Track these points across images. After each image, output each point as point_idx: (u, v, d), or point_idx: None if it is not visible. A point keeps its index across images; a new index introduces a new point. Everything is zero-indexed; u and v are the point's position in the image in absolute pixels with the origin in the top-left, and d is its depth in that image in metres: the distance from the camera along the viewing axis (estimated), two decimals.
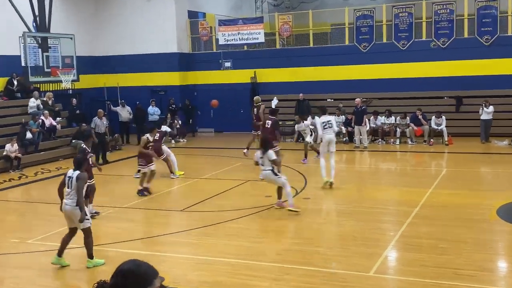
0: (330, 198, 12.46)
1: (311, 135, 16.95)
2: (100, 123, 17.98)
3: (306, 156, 16.75)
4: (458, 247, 8.31)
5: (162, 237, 9.66)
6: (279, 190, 10.87)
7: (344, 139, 20.27)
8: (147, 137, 13.16)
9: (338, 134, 20.21)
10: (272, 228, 9.93)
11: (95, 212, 10.81)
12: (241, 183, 13.81)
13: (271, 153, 10.54)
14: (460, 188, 12.52)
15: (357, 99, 19.54)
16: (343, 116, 20.57)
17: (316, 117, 13.74)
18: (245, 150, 16.31)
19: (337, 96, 22.24)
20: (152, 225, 10.72)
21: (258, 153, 10.67)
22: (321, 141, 13.27)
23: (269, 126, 14.52)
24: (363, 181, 14.45)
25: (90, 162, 10.66)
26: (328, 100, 22.55)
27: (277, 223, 10.17)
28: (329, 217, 10.86)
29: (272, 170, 10.58)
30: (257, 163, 10.84)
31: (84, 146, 10.82)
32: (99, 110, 18.62)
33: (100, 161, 17.31)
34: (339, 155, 18.53)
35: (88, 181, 9.98)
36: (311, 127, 16.92)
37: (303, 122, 17.55)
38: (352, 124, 19.67)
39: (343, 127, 20.17)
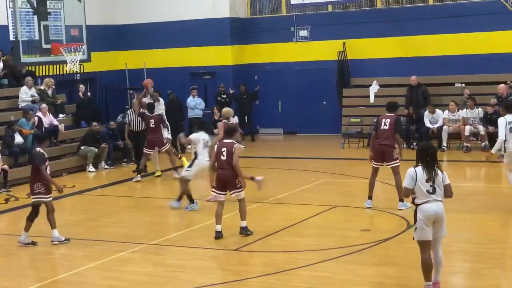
0: (462, 233, 12.09)
1: None
2: (136, 118, 18.32)
3: None
4: None
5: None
6: None
7: (483, 144, 19.75)
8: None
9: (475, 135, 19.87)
10: (370, 278, 9.70)
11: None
12: (325, 209, 13.64)
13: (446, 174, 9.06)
14: None
15: (501, 86, 19.06)
16: (479, 109, 20.08)
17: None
18: None
19: (471, 78, 21.87)
20: (194, 270, 10.69)
21: None
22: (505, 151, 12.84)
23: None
24: None
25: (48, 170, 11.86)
26: (456, 84, 22.14)
27: (378, 270, 9.93)
28: (463, 263, 10.52)
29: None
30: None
31: (41, 151, 11.87)
32: (134, 100, 18.80)
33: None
34: (476, 168, 18.08)
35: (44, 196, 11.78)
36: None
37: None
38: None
39: (480, 126, 19.69)
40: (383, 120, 13.56)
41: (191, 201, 14.24)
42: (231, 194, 11.81)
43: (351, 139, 22.00)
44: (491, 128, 19.42)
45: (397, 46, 23.23)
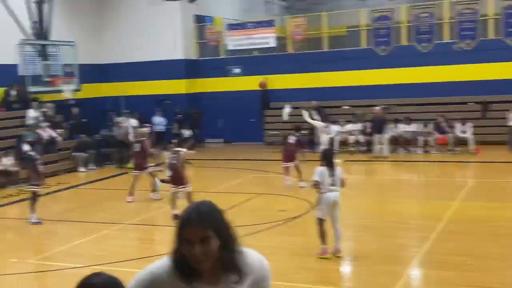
0: (348, 212, 12.37)
1: None
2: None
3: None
4: (488, 264, 8.24)
5: None
6: None
7: (363, 148, 20.21)
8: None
9: (357, 143, 20.27)
10: (287, 245, 9.89)
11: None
12: (252, 196, 13.81)
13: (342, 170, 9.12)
14: (488, 200, 12.42)
15: (377, 108, 19.44)
16: (360, 124, 20.53)
17: None
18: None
19: (354, 102, 22.22)
20: (160, 243, 10.72)
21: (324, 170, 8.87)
22: None
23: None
24: (384, 193, 14.40)
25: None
26: (344, 107, 22.55)
27: (290, 239, 10.14)
28: (348, 232, 10.78)
29: None
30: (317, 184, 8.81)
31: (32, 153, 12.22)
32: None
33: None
34: (358, 165, 18.45)
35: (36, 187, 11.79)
36: None
37: None
38: (371, 132, 19.61)
39: (361, 136, 20.18)
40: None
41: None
42: (178, 189, 11.76)
43: (271, 146, 22.22)
44: (369, 138, 19.92)
45: (303, 80, 23.48)
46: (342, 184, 8.88)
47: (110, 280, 2.41)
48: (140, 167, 14.20)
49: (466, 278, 7.72)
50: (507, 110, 19.04)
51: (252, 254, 2.65)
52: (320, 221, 8.83)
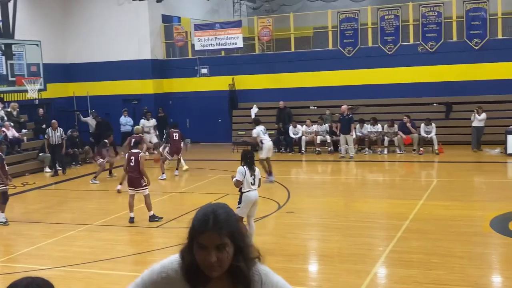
0: (315, 211, 12.45)
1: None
2: (53, 134, 18.06)
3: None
4: (451, 262, 8.34)
5: (136, 256, 9.54)
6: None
7: (329, 148, 20.33)
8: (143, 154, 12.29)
9: (323, 143, 20.37)
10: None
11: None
12: (220, 196, 13.74)
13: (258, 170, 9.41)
14: (452, 199, 12.61)
15: (343, 106, 19.49)
16: (327, 125, 20.65)
17: None
18: None
19: (321, 103, 22.34)
20: (126, 243, 10.59)
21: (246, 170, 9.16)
22: None
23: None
24: (350, 193, 14.49)
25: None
26: (311, 107, 22.65)
27: (257, 239, 10.09)
28: (314, 232, 10.83)
29: None
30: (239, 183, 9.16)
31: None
32: (53, 121, 18.52)
33: (60, 174, 17.91)
34: (325, 165, 18.53)
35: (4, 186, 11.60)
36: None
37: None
38: (338, 132, 19.74)
39: (327, 136, 20.30)
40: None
41: (270, 173, 15.01)
42: (136, 192, 11.52)
43: (238, 145, 22.19)
44: (335, 138, 20.06)
45: (270, 80, 23.54)
46: (260, 183, 9.25)
47: (35, 282, 2.22)
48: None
49: (430, 276, 7.81)
50: (470, 111, 19.38)
51: (270, 275, 2.51)
52: (240, 219, 8.84)
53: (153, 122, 20.86)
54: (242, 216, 8.87)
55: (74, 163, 20.00)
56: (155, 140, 20.60)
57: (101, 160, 16.72)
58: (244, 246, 2.43)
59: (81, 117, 22.69)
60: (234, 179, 9.04)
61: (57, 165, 18.34)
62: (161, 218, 11.61)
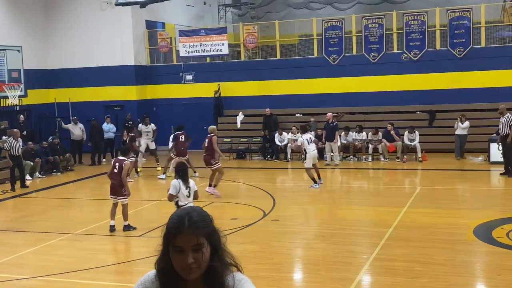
0: (300, 219, 12.47)
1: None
2: (16, 145, 17.03)
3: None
4: (435, 270, 8.40)
5: (118, 266, 9.47)
6: None
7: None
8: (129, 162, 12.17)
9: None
10: (239, 254, 9.79)
11: None
12: (205, 204, 13.70)
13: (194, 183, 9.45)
14: (435, 207, 12.69)
15: (329, 114, 19.58)
16: (313, 132, 20.68)
17: None
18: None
19: (306, 110, 22.41)
20: (107, 253, 10.51)
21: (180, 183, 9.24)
22: None
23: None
24: (335, 200, 14.54)
25: None
26: (296, 115, 22.71)
27: (242, 247, 10.09)
28: (299, 240, 10.85)
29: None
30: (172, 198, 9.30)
31: None
32: (15, 130, 17.68)
33: (17, 185, 16.88)
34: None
35: None
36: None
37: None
38: (323, 140, 19.80)
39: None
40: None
41: (315, 181, 15.17)
42: (117, 200, 11.36)
43: (224, 153, 22.08)
44: (321, 145, 20.08)
45: (255, 88, 23.57)
46: (196, 196, 9.29)
47: None
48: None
49: (414, 284, 7.85)
50: (453, 119, 19.56)
51: (245, 284, 2.51)
52: None
53: (151, 127, 20.65)
54: None
55: (55, 170, 19.85)
56: (153, 146, 20.34)
57: (133, 158, 16.85)
58: (220, 248, 2.44)
59: (63, 123, 22.52)
60: (168, 193, 9.11)
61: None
62: (135, 228, 11.46)
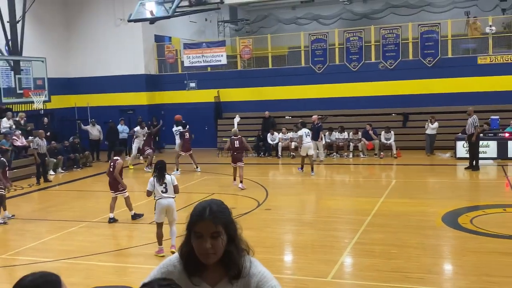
0: (289, 208, 12.46)
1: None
2: (42, 144, 17.08)
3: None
4: (408, 252, 8.41)
5: (131, 249, 9.46)
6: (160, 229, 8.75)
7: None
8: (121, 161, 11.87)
9: (296, 148, 20.40)
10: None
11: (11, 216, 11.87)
12: (207, 195, 13.68)
13: (174, 178, 8.89)
14: (408, 197, 12.72)
15: (314, 116, 19.60)
16: (299, 131, 20.64)
17: None
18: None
19: (295, 113, 22.39)
20: (122, 238, 10.48)
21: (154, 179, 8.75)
22: None
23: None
24: (320, 192, 14.54)
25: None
26: (286, 117, 22.71)
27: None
28: (289, 226, 10.85)
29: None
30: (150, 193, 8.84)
31: (3, 159, 11.86)
32: (40, 131, 17.83)
33: (42, 180, 16.88)
34: (305, 171, 18.60)
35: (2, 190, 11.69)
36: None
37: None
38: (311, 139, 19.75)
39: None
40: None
41: (302, 166, 16.42)
42: (116, 194, 11.31)
43: (222, 151, 22.15)
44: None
45: (250, 93, 23.54)
46: (176, 190, 8.74)
47: (43, 278, 2.02)
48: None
49: (390, 265, 7.86)
50: (424, 120, 19.60)
51: (257, 265, 2.51)
52: (157, 224, 8.74)
53: (145, 130, 20.60)
54: (157, 221, 8.64)
55: (75, 166, 19.79)
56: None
57: (149, 151, 17.47)
58: (236, 237, 2.44)
59: (82, 125, 22.46)
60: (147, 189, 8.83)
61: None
62: (142, 215, 11.42)
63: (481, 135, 16.88)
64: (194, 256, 2.39)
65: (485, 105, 19.96)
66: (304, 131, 16.43)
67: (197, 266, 2.41)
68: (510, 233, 9.16)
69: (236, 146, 14.56)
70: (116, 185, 11.33)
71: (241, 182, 14.32)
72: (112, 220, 11.27)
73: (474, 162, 16.12)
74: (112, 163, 11.45)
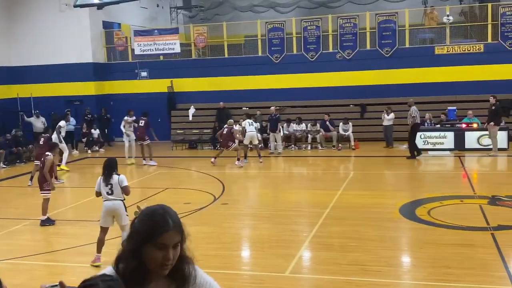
0: (247, 202, 12.50)
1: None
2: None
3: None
4: (367, 245, 8.58)
5: (78, 248, 9.25)
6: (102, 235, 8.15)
7: (260, 145, 20.39)
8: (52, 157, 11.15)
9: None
10: (192, 235, 9.76)
11: None
12: (160, 191, 13.55)
13: (123, 178, 8.15)
14: (366, 189, 12.97)
15: (272, 107, 19.70)
16: (258, 123, 20.73)
17: None
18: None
19: (252, 104, 22.42)
20: (68, 237, 10.23)
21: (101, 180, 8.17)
22: None
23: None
24: (278, 185, 14.64)
25: None
26: (243, 108, 22.67)
27: (195, 229, 10.02)
28: (246, 221, 10.88)
29: (123, 201, 8.20)
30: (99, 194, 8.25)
31: None
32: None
33: None
34: (255, 161, 18.66)
35: None
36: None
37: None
38: (267, 131, 19.89)
39: (258, 134, 20.39)
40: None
41: (245, 157, 17.38)
42: (41, 193, 10.68)
43: (177, 143, 22.00)
44: (265, 136, 20.20)
45: (206, 83, 23.40)
46: (126, 192, 8.06)
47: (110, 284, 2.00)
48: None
49: (349, 258, 8.01)
50: (382, 111, 19.99)
51: (203, 274, 2.46)
52: (101, 229, 8.13)
53: (134, 118, 19.78)
54: (101, 225, 8.05)
55: (18, 161, 19.19)
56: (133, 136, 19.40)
57: (149, 141, 17.59)
58: (184, 243, 2.37)
59: (25, 117, 21.76)
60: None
61: None
62: (54, 222, 10.68)
63: (427, 125, 18.20)
64: (139, 270, 2.26)
65: (443, 95, 20.56)
66: (247, 121, 17.54)
67: (140, 280, 2.27)
68: (467, 225, 9.47)
69: (222, 133, 17.02)
70: (42, 184, 10.60)
71: (238, 159, 16.65)
72: (44, 224, 10.54)
73: (415, 152, 16.87)
74: (43, 159, 10.82)
